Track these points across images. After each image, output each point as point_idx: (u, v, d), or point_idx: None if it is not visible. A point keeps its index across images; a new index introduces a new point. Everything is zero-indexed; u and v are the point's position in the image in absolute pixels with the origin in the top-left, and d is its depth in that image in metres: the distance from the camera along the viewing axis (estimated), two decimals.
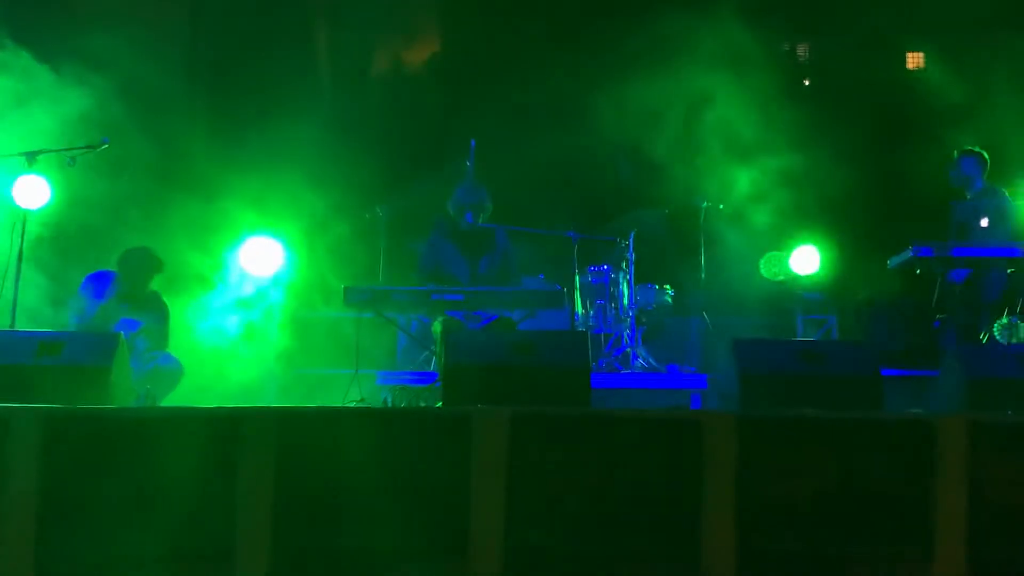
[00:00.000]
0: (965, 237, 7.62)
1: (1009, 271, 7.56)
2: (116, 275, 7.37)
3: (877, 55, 12.21)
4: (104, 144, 7.15)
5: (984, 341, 7.29)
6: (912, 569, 4.18)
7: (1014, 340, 7.14)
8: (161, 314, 7.38)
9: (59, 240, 7.64)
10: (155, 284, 7.43)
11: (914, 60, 14.27)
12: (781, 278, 8.79)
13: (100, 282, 7.33)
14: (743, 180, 9.04)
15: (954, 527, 4.20)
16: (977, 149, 8.06)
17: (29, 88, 7.73)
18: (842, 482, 4.24)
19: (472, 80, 10.15)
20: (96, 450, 4.38)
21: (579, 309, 8.36)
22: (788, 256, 8.93)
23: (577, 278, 8.40)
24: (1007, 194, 7.96)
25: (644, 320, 8.86)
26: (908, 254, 7.45)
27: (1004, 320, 7.15)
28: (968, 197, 8.05)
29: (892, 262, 7.77)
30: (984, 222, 7.63)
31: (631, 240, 8.75)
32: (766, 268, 8.81)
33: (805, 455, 4.29)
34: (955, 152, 8.12)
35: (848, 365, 5.46)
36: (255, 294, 8.06)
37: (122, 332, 6.29)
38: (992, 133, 8.79)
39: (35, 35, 9.12)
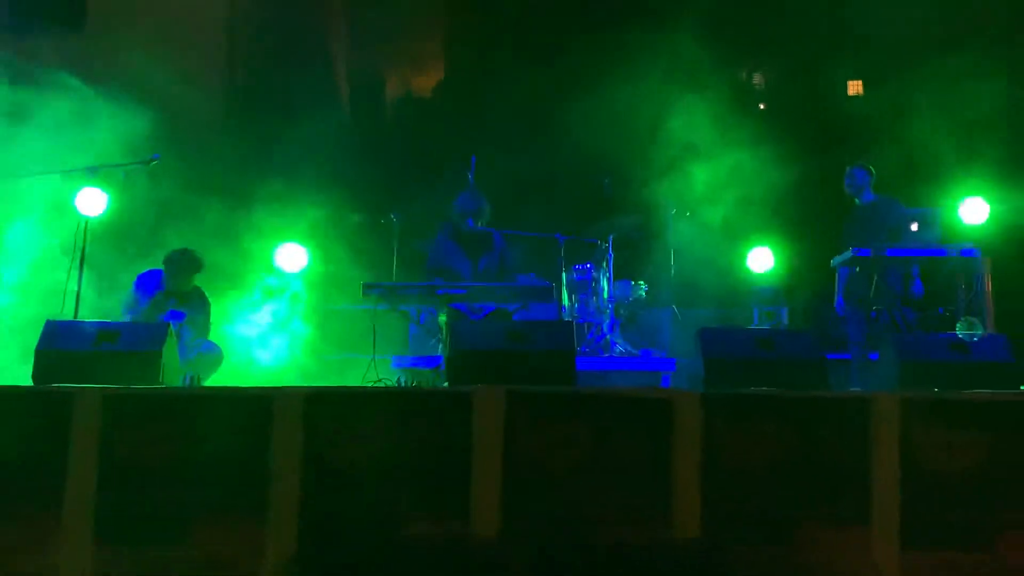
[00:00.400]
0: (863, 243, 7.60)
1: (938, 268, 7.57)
2: (163, 273, 7.37)
3: (822, 82, 12.21)
4: (154, 160, 7.16)
5: (912, 330, 7.30)
6: (852, 528, 4.19)
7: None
8: (203, 306, 7.39)
9: (113, 242, 7.61)
10: (197, 280, 7.44)
11: (854, 87, 14.30)
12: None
13: (149, 280, 7.34)
14: (706, 190, 9.06)
15: (889, 491, 4.20)
16: (866, 164, 8.06)
17: (86, 109, 7.72)
18: (791, 451, 4.24)
19: (472, 104, 10.14)
20: (147, 424, 4.39)
21: (565, 302, 8.37)
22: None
23: (563, 275, 8.41)
24: (900, 202, 7.97)
25: (621, 312, 8.86)
26: (849, 254, 7.45)
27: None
28: (857, 203, 8.04)
29: (835, 261, 7.77)
30: (914, 226, 7.63)
31: (610, 242, 8.76)
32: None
33: (760, 428, 4.30)
34: (847, 166, 8.11)
35: (797, 350, 5.44)
36: (284, 290, 8.06)
37: (169, 323, 6.29)
38: (913, 148, 8.82)
39: (87, 61, 9.13)
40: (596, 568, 4.11)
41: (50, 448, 4.28)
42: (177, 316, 7.06)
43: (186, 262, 7.34)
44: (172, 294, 7.29)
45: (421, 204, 8.67)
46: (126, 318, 7.16)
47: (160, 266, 7.40)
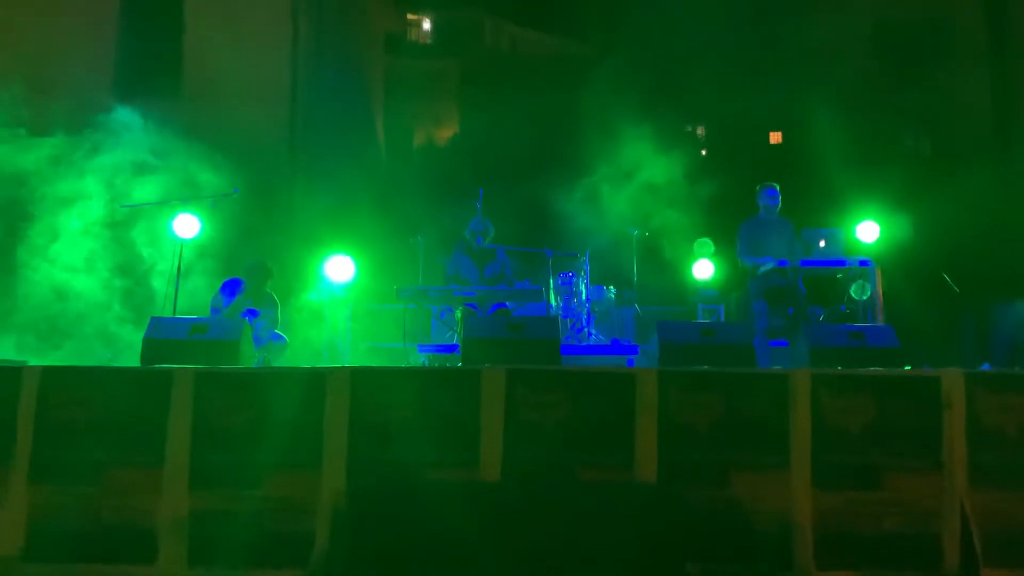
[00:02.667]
0: (774, 253, 7.45)
1: (838, 276, 7.55)
2: (242, 281, 7.35)
3: (752, 132, 12.24)
4: (235, 192, 7.17)
5: (819, 322, 7.26)
6: (775, 473, 4.18)
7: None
8: (273, 305, 7.35)
9: (203, 257, 7.61)
10: (269, 286, 7.42)
11: (775, 137, 14.32)
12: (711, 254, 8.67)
13: (231, 286, 7.32)
14: (662, 217, 9.06)
15: (803, 444, 4.20)
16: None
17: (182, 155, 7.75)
18: (728, 415, 4.23)
19: (479, 151, 10.15)
20: (229, 396, 4.38)
21: (552, 302, 8.36)
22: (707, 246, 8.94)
23: (551, 281, 8.41)
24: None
25: (596, 310, 8.86)
26: (772, 263, 7.41)
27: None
28: (762, 217, 7.63)
29: (761, 269, 7.70)
30: (822, 243, 7.60)
31: (587, 256, 8.77)
32: (699, 249, 8.67)
33: (703, 397, 4.28)
34: (766, 185, 7.72)
35: (732, 337, 5.45)
36: (336, 293, 8.04)
37: (246, 319, 6.29)
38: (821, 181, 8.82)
39: (182, 119, 9.15)
40: (575, 503, 4.11)
41: (155, 413, 4.28)
42: (252, 314, 7.06)
43: (260, 270, 7.31)
44: (249, 295, 7.27)
45: (440, 227, 8.68)
46: (213, 315, 7.15)
47: (240, 275, 7.38)
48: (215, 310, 7.21)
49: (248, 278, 7.33)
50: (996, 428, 4.23)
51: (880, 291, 7.41)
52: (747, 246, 7.56)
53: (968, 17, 8.93)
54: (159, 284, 7.34)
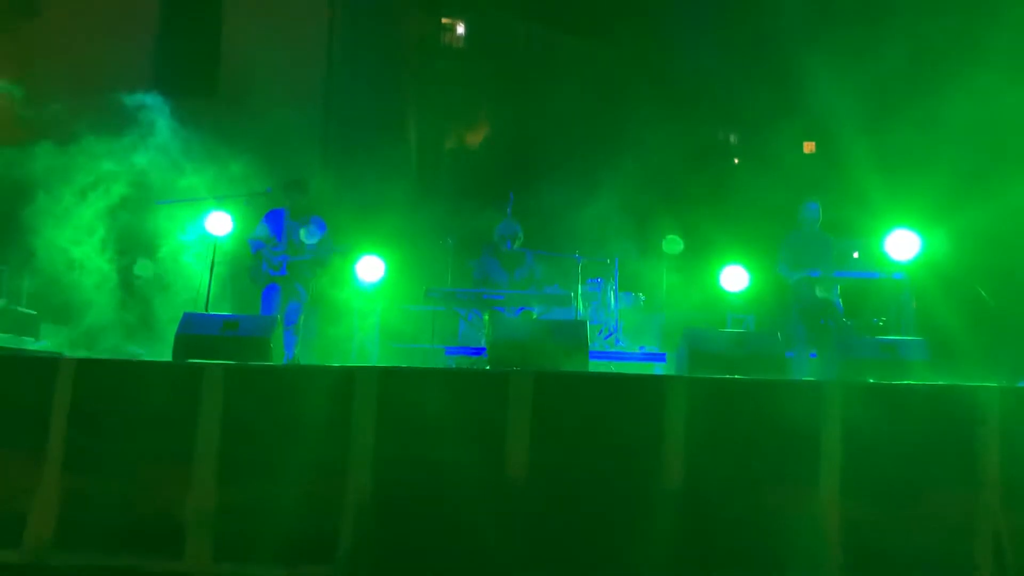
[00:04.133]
0: (812, 265, 7.46)
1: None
2: (283, 210, 7.24)
3: (785, 141, 12.13)
4: (268, 191, 7.22)
5: (851, 335, 7.15)
6: (804, 485, 4.13)
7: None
8: (322, 224, 7.22)
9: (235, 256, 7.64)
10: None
11: (809, 146, 14.20)
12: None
13: (275, 216, 7.21)
14: (693, 224, 9.02)
15: (833, 454, 4.13)
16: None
17: (218, 155, 7.80)
18: (757, 425, 4.19)
19: (510, 154, 10.17)
20: (259, 392, 4.42)
21: (580, 308, 8.33)
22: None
23: (579, 287, 8.37)
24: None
25: (624, 316, 8.82)
26: (806, 274, 7.36)
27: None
28: (804, 231, 7.73)
29: (792, 279, 7.66)
30: (856, 254, 7.54)
31: (616, 262, 8.73)
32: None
33: (732, 405, 4.27)
34: (808, 200, 7.84)
35: (763, 347, 5.42)
36: (366, 293, 8.06)
37: (279, 316, 6.33)
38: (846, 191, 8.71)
39: (218, 119, 9.23)
40: (603, 507, 4.09)
41: (186, 409, 4.32)
42: (320, 227, 7.08)
43: (300, 186, 7.23)
44: (298, 216, 7.16)
45: (470, 230, 8.69)
46: (256, 248, 7.10)
47: (276, 202, 7.28)
48: (257, 243, 7.12)
49: (290, 198, 7.23)
50: None
51: (913, 304, 7.31)
52: (787, 259, 7.64)
53: (1008, 26, 8.79)
54: (189, 280, 7.40)
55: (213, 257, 6.83)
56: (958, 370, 5.56)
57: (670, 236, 8.35)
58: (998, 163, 8.65)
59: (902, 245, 7.06)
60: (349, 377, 4.37)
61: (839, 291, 7.34)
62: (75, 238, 7.57)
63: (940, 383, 4.52)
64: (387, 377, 4.38)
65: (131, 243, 7.81)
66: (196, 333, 5.21)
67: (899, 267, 7.10)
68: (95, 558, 4.17)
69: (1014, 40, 8.63)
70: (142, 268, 8.05)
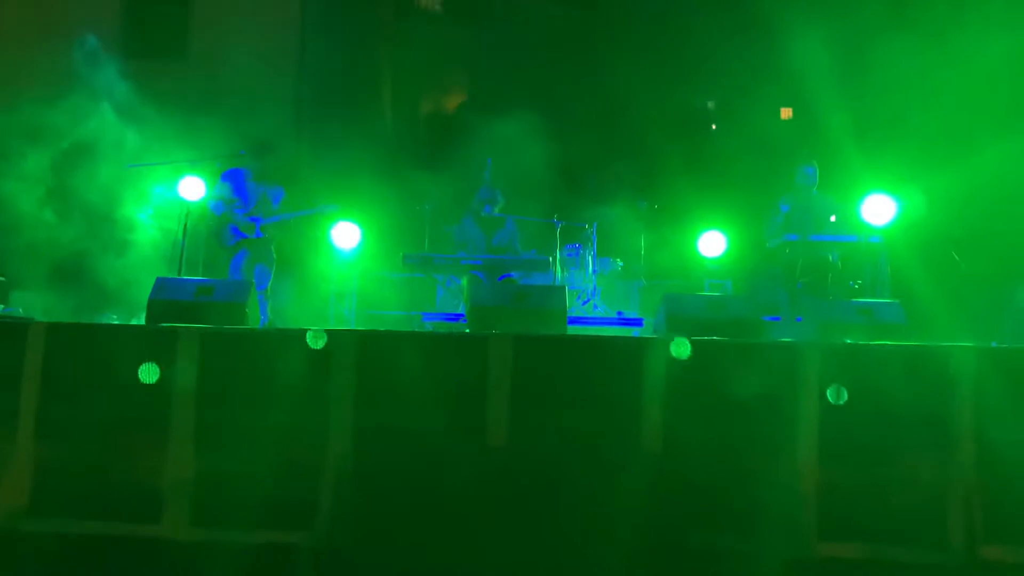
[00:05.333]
0: (813, 229, 7.43)
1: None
2: (244, 170, 7.14)
3: (762, 108, 12.09)
4: (241, 154, 7.10)
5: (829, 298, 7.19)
6: (782, 446, 4.15)
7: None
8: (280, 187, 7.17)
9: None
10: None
11: (786, 112, 14.17)
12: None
13: (235, 176, 7.09)
14: (672, 188, 9.01)
15: (810, 416, 4.16)
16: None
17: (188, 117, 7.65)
18: (735, 385, 4.19)
19: (488, 118, 10.05)
20: (235, 356, 4.36)
21: (559, 273, 8.32)
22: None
23: (558, 252, 8.36)
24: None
25: (602, 282, 8.82)
26: (782, 238, 7.38)
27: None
28: (798, 192, 7.70)
29: (770, 243, 7.69)
30: (832, 218, 7.55)
31: (594, 228, 8.71)
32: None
33: (706, 366, 4.26)
34: (804, 163, 7.80)
35: (740, 311, 5.41)
36: (342, 260, 7.98)
37: (253, 282, 6.24)
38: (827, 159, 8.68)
39: (188, 82, 9.02)
40: (581, 471, 4.10)
41: (160, 374, 4.25)
42: (279, 194, 7.02)
43: (268, 148, 7.13)
44: (261, 178, 7.08)
45: (447, 195, 8.62)
46: (215, 210, 6.95)
47: (241, 161, 7.14)
48: (219, 205, 6.96)
49: (259, 160, 7.11)
50: (1004, 405, 4.20)
51: (887, 268, 7.35)
52: (783, 224, 7.59)
53: None
54: (161, 244, 7.28)
55: (186, 222, 6.72)
56: (933, 332, 5.61)
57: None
58: (972, 127, 8.68)
59: (878, 209, 7.07)
60: (327, 340, 4.31)
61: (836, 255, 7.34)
62: (36, 198, 7.42)
63: (915, 344, 4.55)
64: (366, 341, 4.33)
65: (99, 206, 7.65)
66: (169, 298, 5.12)
67: (875, 231, 7.12)
68: (70, 525, 4.12)
69: (987, 4, 8.63)
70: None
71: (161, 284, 5.25)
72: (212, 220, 7.01)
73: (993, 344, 4.89)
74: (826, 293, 7.17)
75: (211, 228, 7.03)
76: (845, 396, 6.65)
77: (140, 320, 5.29)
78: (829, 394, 6.70)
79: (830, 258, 7.32)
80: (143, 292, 6.67)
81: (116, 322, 6.82)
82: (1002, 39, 8.52)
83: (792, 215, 7.58)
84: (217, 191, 7.03)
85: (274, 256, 7.06)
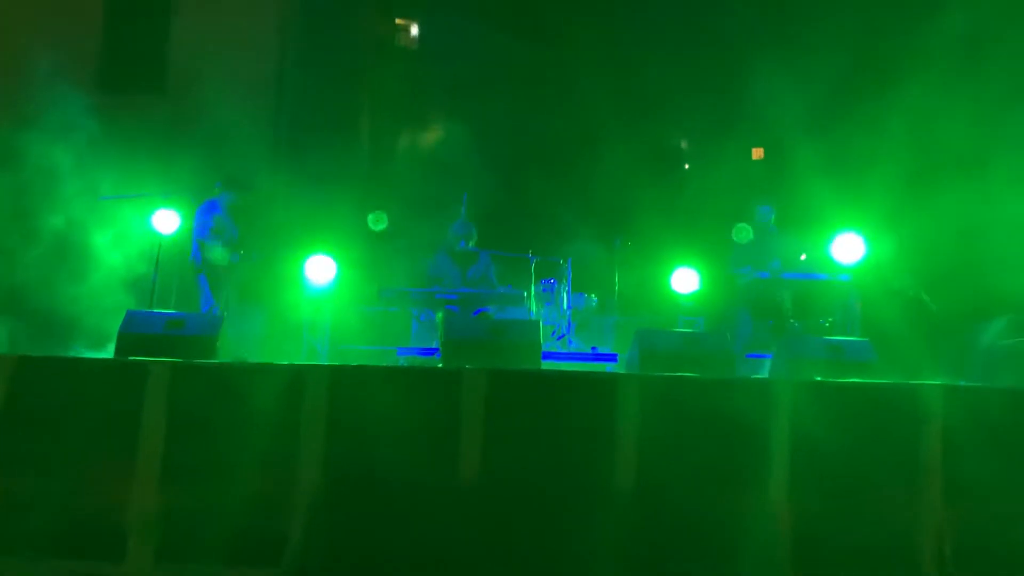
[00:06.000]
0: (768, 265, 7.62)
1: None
2: (219, 200, 7.31)
3: (735, 148, 12.27)
4: (216, 187, 7.10)
5: (799, 335, 7.25)
6: (755, 480, 4.16)
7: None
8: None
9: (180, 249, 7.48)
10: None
11: (757, 153, 14.39)
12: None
13: (212, 207, 7.25)
14: (646, 225, 9.08)
15: (782, 451, 4.18)
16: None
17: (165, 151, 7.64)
18: (708, 420, 4.22)
19: (466, 154, 10.13)
20: (205, 391, 4.32)
21: (533, 308, 8.32)
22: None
23: (533, 287, 8.37)
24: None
25: (576, 317, 8.82)
26: (753, 275, 7.46)
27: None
28: (756, 231, 8.02)
29: (742, 280, 7.76)
30: (803, 256, 7.66)
31: (569, 263, 8.74)
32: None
33: (683, 402, 4.29)
34: (760, 202, 8.18)
35: (713, 346, 5.46)
36: (315, 294, 7.92)
37: (223, 314, 6.20)
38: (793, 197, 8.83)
39: (167, 116, 9.01)
40: (555, 506, 4.07)
41: (129, 407, 4.20)
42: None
43: (243, 181, 7.35)
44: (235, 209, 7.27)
45: (423, 230, 8.63)
46: (202, 235, 7.13)
47: (217, 191, 7.34)
48: (203, 229, 7.10)
49: (233, 191, 7.28)
50: (971, 442, 4.25)
51: (858, 305, 7.44)
52: (738, 258, 7.80)
53: (946, 34, 9.03)
54: (135, 277, 7.21)
55: (158, 254, 6.68)
56: (902, 370, 5.67)
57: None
58: (939, 171, 8.87)
59: (848, 249, 7.18)
60: (299, 375, 4.30)
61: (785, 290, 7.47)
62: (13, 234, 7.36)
63: (885, 381, 4.60)
64: (338, 375, 4.32)
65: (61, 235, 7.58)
66: (139, 331, 5.07)
67: (845, 270, 7.22)
68: (31, 561, 4.02)
69: (955, 48, 8.86)
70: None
71: (131, 317, 5.20)
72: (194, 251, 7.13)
73: (962, 383, 4.95)
74: (783, 330, 7.27)
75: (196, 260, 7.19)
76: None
77: (104, 351, 5.22)
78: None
79: (785, 296, 7.42)
80: (103, 321, 6.64)
81: (85, 354, 6.71)
82: (965, 85, 8.74)
83: (751, 251, 7.73)
84: (209, 223, 7.18)
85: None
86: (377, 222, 7.91)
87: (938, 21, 9.11)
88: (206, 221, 7.17)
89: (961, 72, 8.83)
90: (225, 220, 7.14)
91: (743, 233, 7.74)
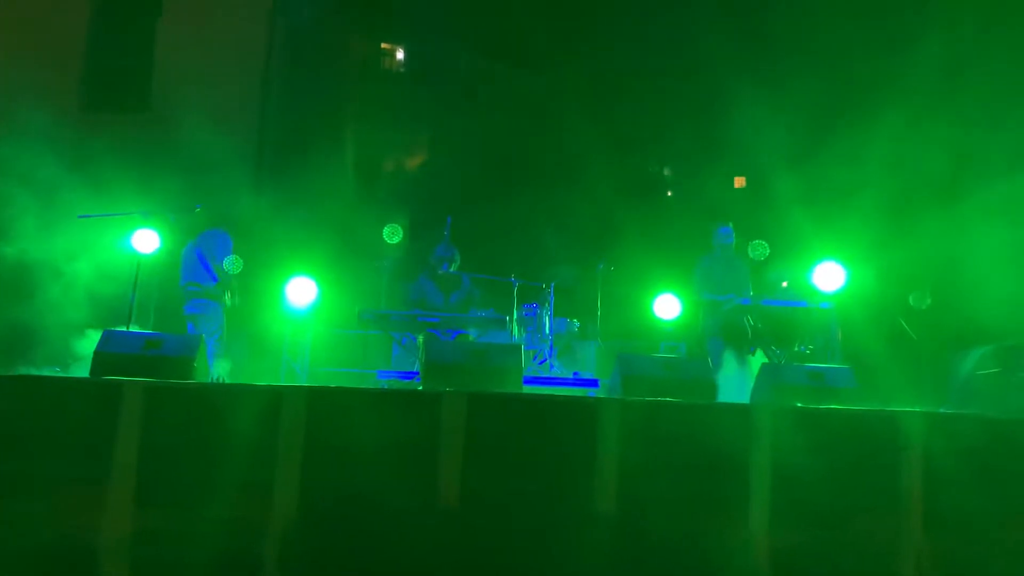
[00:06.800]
0: (732, 288, 7.67)
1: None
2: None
3: (716, 176, 12.37)
4: (197, 208, 7.05)
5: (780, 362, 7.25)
6: (734, 507, 4.14)
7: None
8: None
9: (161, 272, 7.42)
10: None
11: (739, 181, 14.52)
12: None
13: (225, 240, 7.32)
14: (629, 251, 9.11)
15: (762, 478, 4.18)
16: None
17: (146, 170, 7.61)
18: (689, 446, 4.21)
19: (448, 179, 10.16)
20: (180, 412, 4.27)
21: (516, 332, 8.30)
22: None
23: (515, 311, 8.36)
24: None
25: (559, 342, 8.80)
26: (735, 302, 7.48)
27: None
28: (717, 255, 8.04)
29: (724, 307, 7.77)
30: (784, 284, 7.70)
31: (552, 288, 8.74)
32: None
33: (663, 427, 4.28)
34: (720, 224, 8.14)
35: (693, 372, 5.44)
36: (296, 316, 7.86)
37: (202, 335, 6.12)
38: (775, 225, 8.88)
39: (149, 135, 8.97)
40: (535, 531, 4.04)
41: (103, 428, 4.14)
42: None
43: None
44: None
45: (405, 253, 8.61)
46: (200, 265, 7.19)
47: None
48: (203, 261, 7.13)
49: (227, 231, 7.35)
50: (951, 470, 4.26)
51: (839, 333, 7.47)
52: (704, 283, 7.80)
53: (925, 64, 9.18)
54: (113, 298, 7.14)
55: (137, 275, 6.61)
56: (883, 397, 5.69)
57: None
58: (919, 199, 8.96)
59: (829, 276, 7.21)
60: (277, 397, 4.26)
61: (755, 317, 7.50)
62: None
63: (866, 408, 4.61)
64: (316, 397, 4.28)
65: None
66: (116, 351, 5.00)
67: (826, 297, 7.26)
68: None
69: (933, 78, 9.00)
70: None
71: (108, 337, 5.13)
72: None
73: (942, 410, 4.97)
74: (771, 356, 7.28)
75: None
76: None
77: (74, 370, 5.15)
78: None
79: (748, 320, 7.45)
80: (71, 340, 6.57)
81: (59, 374, 6.62)
82: (943, 115, 8.87)
83: (710, 275, 7.75)
84: (203, 249, 7.27)
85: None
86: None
87: (916, 51, 9.26)
88: (225, 242, 7.24)
89: (939, 102, 8.96)
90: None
91: (760, 250, 7.64)
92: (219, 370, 6.64)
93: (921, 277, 8.28)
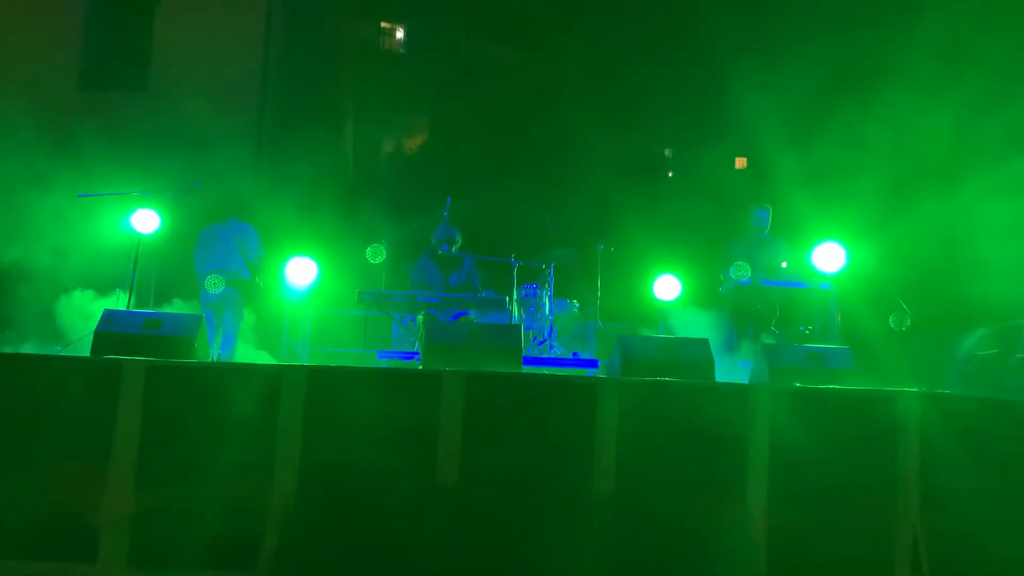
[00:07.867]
0: (764, 272, 7.59)
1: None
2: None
3: (717, 157, 12.33)
4: (197, 187, 7.02)
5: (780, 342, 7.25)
6: (733, 488, 4.14)
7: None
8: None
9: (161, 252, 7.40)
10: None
11: (740, 162, 14.49)
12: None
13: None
14: (629, 232, 9.09)
15: (759, 459, 4.17)
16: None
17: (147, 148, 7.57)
18: (687, 427, 4.21)
19: (448, 160, 10.12)
20: (181, 391, 4.26)
21: (515, 313, 8.29)
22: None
23: (515, 292, 8.34)
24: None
25: (558, 323, 8.79)
26: (733, 283, 7.47)
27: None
28: (749, 235, 7.96)
29: (722, 289, 7.77)
30: (784, 264, 7.68)
31: (552, 268, 8.71)
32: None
33: (662, 408, 4.27)
34: (758, 207, 8.07)
35: (692, 353, 5.43)
36: (296, 296, 7.85)
37: (203, 315, 6.11)
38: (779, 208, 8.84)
39: (149, 113, 8.94)
40: (533, 510, 4.04)
41: (104, 407, 4.14)
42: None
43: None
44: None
45: (405, 234, 8.59)
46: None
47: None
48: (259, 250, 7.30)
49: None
50: (948, 450, 4.26)
51: (838, 314, 7.46)
52: (729, 262, 7.68)
53: (926, 45, 9.12)
54: (114, 277, 7.12)
55: (136, 255, 6.59)
56: (881, 378, 5.68)
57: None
58: (918, 181, 8.93)
59: (829, 257, 7.19)
60: (276, 376, 4.25)
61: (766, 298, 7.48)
62: None
63: (863, 388, 4.60)
64: (316, 376, 4.27)
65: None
66: (116, 331, 4.99)
67: (826, 278, 7.24)
68: (2, 565, 3.95)
69: (933, 59, 8.95)
70: None
71: (108, 316, 5.12)
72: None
73: (939, 391, 4.97)
74: (771, 336, 7.27)
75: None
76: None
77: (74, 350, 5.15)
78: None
79: (773, 303, 7.43)
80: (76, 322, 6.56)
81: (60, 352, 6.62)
82: (944, 96, 8.82)
83: (739, 256, 7.72)
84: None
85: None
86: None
87: (916, 31, 9.19)
88: (257, 238, 7.44)
89: (940, 83, 8.91)
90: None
91: (742, 271, 7.62)
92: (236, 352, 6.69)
93: (921, 256, 8.28)
